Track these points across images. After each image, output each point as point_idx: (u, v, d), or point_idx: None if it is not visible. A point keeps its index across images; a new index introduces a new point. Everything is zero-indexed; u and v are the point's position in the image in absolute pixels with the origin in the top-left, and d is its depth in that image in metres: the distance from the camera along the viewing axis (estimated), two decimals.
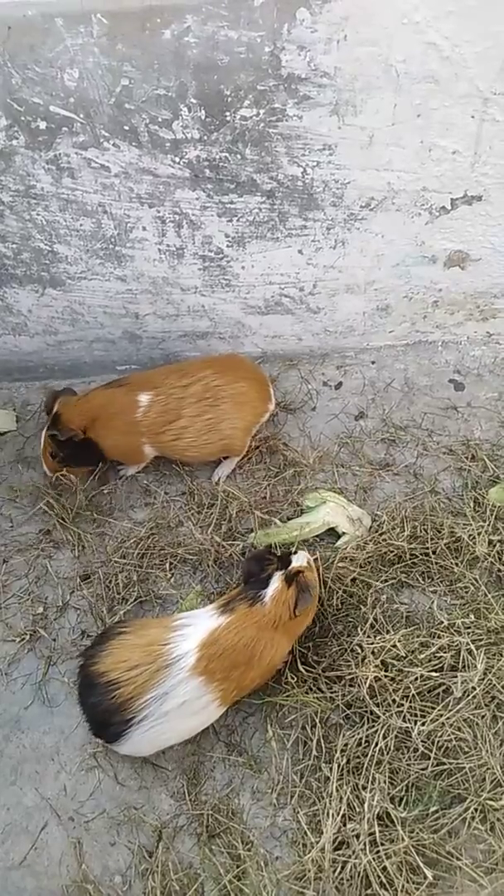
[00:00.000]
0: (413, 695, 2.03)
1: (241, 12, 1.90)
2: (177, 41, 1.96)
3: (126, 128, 2.16)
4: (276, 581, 1.95)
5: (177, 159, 2.25)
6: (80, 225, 2.44)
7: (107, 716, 1.87)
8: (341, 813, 1.88)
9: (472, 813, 1.89)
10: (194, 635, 1.88)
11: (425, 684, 2.06)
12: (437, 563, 2.34)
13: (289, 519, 2.49)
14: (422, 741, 1.97)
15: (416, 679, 2.05)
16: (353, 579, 2.30)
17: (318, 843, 1.85)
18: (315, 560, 2.17)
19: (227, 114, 2.13)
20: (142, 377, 2.57)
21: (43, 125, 2.15)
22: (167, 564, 2.43)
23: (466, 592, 2.27)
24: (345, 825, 1.87)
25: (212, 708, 1.91)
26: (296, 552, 2.10)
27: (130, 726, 1.85)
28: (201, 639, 1.87)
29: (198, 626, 1.91)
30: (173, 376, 2.51)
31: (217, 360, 2.65)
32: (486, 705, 2.02)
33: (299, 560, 2.03)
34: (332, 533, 2.46)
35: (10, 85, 2.05)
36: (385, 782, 1.92)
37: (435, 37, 1.97)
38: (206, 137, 2.19)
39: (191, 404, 2.47)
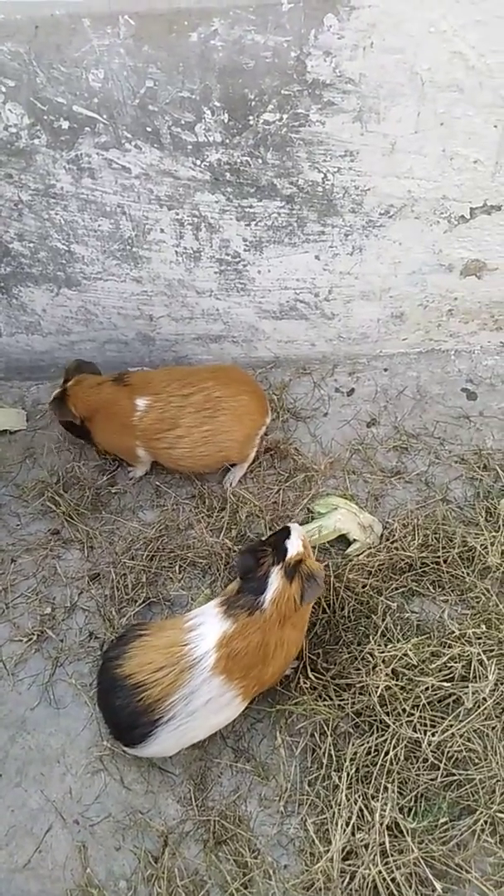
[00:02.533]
0: (423, 704, 2.02)
1: (268, 17, 1.91)
2: (203, 44, 1.96)
3: (148, 129, 2.16)
4: (275, 581, 1.86)
5: (198, 162, 2.25)
6: (99, 225, 2.44)
7: (133, 718, 1.85)
8: (350, 822, 1.87)
9: (481, 825, 1.88)
10: (209, 635, 1.87)
11: (436, 694, 2.05)
12: (448, 573, 2.33)
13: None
14: (432, 751, 1.96)
15: (427, 689, 2.04)
16: (364, 587, 2.29)
17: (326, 852, 1.84)
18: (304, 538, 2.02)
19: (251, 118, 2.13)
20: (144, 379, 2.53)
21: (65, 125, 2.15)
22: (177, 567, 2.42)
23: (478, 602, 2.26)
24: (353, 835, 1.86)
25: (235, 704, 1.90)
26: (287, 535, 1.96)
27: (157, 727, 1.83)
28: (216, 639, 1.86)
29: (209, 625, 1.89)
30: (175, 384, 2.47)
31: (219, 372, 2.60)
32: (496, 717, 2.01)
33: (294, 547, 1.93)
34: (343, 540, 2.45)
35: (34, 84, 2.05)
36: (394, 792, 1.90)
37: (461, 45, 1.97)
38: (228, 141, 2.19)
39: (189, 414, 2.43)
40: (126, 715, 1.87)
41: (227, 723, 1.98)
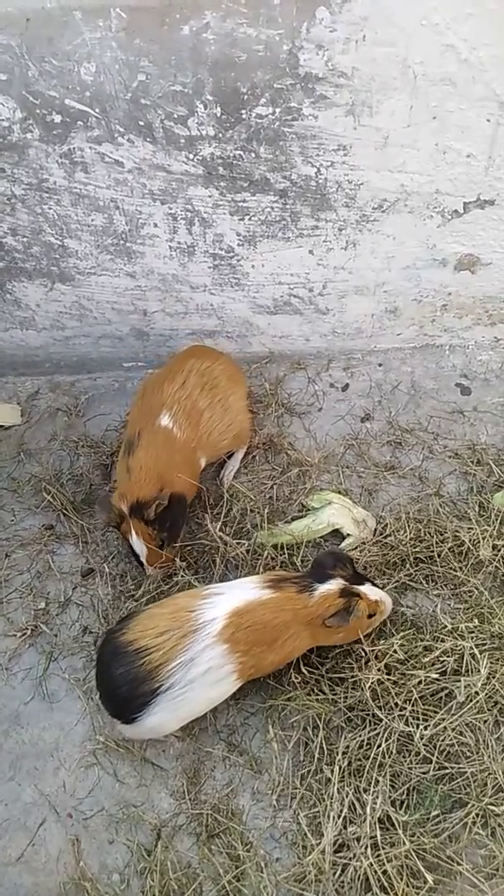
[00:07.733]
0: (416, 698, 2.02)
1: (260, 10, 1.90)
2: (195, 37, 1.95)
3: (141, 123, 2.16)
4: (335, 584, 1.93)
5: (191, 156, 2.24)
6: (92, 220, 2.43)
7: (134, 686, 1.82)
8: (342, 815, 1.87)
9: (473, 818, 1.88)
10: (224, 603, 1.87)
11: (428, 688, 2.05)
12: (441, 567, 2.33)
13: (293, 519, 2.49)
14: (424, 745, 1.96)
15: (419, 682, 2.04)
16: None
17: (318, 844, 1.84)
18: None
19: (243, 112, 2.13)
20: (138, 412, 2.36)
21: (58, 119, 2.14)
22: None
23: (470, 597, 2.26)
24: (345, 828, 1.86)
25: (230, 680, 1.90)
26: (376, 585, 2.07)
27: (156, 695, 1.82)
28: (233, 607, 1.86)
29: (230, 595, 1.90)
30: (165, 385, 2.34)
31: (189, 350, 2.57)
32: (488, 710, 2.01)
33: (370, 589, 2.01)
34: (337, 534, 2.45)
35: (26, 77, 2.04)
36: (386, 785, 1.91)
37: (453, 39, 1.96)
38: (220, 135, 2.18)
39: (197, 394, 2.36)
40: (126, 682, 1.83)
41: (219, 701, 1.97)
